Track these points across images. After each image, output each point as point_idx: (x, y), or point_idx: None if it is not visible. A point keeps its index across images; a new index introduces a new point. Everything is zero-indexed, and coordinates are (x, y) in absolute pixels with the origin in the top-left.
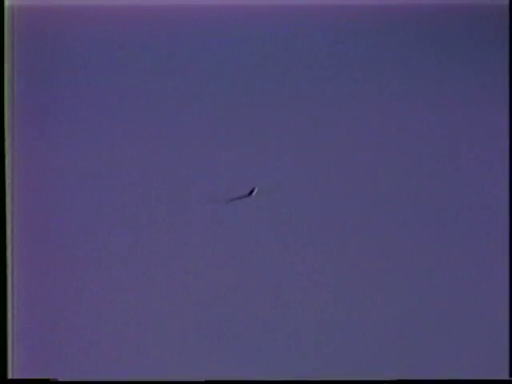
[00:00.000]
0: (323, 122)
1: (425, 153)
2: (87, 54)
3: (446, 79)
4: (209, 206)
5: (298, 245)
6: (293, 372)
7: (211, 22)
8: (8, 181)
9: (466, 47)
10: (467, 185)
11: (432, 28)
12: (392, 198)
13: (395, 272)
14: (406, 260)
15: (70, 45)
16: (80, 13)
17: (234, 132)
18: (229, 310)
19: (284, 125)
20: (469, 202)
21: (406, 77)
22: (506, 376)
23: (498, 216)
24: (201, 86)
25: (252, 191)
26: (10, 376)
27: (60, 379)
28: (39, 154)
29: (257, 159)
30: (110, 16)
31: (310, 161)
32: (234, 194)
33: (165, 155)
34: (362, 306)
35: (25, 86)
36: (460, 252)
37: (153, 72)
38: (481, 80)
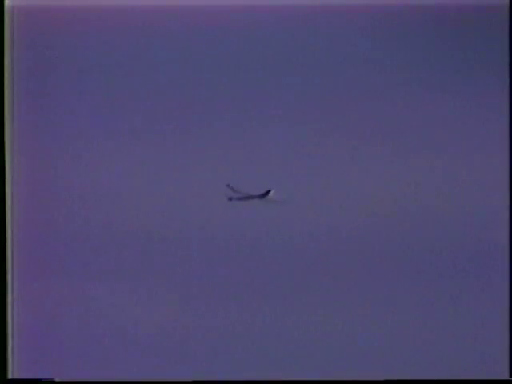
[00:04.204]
0: (323, 121)
1: (424, 153)
2: (88, 54)
3: (445, 79)
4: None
5: (304, 250)
6: (293, 372)
7: (212, 22)
8: (8, 181)
9: (465, 47)
10: (467, 185)
11: (431, 28)
12: (390, 200)
13: (395, 272)
14: (406, 260)
15: (71, 45)
16: (80, 13)
17: (236, 131)
18: (231, 312)
19: (284, 123)
20: (468, 203)
21: (404, 76)
22: (506, 376)
23: (499, 216)
24: (204, 84)
25: (267, 193)
26: (10, 376)
27: (60, 379)
28: (39, 154)
29: (257, 161)
30: (111, 16)
31: (311, 163)
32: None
33: (168, 156)
34: (362, 306)
35: (25, 85)
36: (460, 252)
37: (155, 71)
38: (480, 80)
